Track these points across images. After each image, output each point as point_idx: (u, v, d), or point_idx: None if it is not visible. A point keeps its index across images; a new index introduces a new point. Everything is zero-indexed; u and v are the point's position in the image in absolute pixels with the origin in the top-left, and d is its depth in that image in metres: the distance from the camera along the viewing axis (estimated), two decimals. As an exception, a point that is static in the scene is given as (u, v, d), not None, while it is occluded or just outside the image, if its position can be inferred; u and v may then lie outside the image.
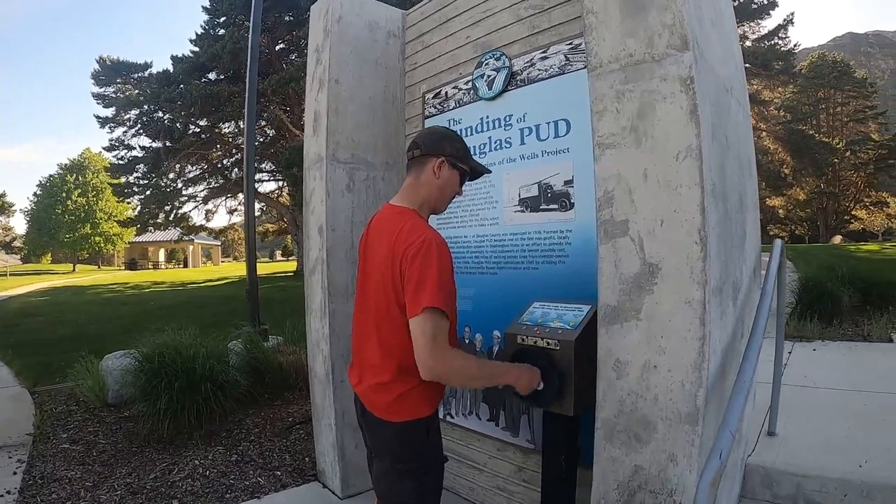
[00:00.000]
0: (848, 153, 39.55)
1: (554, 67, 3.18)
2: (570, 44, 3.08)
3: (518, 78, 3.38)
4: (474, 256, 3.61)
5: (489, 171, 2.61)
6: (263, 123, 23.90)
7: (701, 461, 2.12)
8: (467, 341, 3.62)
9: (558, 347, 2.52)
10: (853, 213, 43.35)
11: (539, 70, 3.26)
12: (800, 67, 39.70)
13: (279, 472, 4.46)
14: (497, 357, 3.37)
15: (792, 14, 33.77)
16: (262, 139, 24.44)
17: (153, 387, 5.06)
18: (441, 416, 3.72)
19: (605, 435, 2.43)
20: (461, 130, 3.69)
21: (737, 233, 2.72)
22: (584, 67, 2.86)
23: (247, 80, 8.42)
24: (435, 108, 3.91)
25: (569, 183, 3.09)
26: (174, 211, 25.58)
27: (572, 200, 3.07)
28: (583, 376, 2.49)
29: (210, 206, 27.09)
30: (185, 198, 25.67)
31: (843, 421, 4.21)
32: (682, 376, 2.22)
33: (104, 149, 26.43)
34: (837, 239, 41.38)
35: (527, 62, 3.33)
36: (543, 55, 3.23)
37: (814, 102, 46.02)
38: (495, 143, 3.49)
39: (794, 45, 34.57)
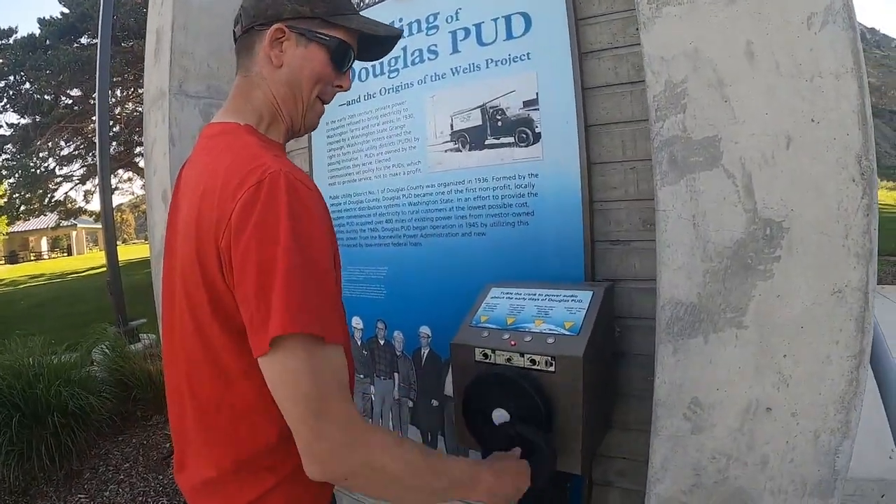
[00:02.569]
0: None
1: (501, -60, 1.95)
2: None
3: (445, -39, 2.11)
4: (385, 221, 2.30)
5: (398, 33, 1.32)
6: (142, 91, 21.10)
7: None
8: (382, 342, 2.33)
9: (554, 369, 1.35)
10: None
11: (477, -53, 2.02)
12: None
13: (156, 526, 3.29)
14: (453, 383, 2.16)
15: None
16: (141, 108, 21.63)
17: (-13, 424, 3.72)
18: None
19: (667, 524, 1.27)
20: (361, 42, 2.33)
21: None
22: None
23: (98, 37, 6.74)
24: (321, 16, 2.52)
25: (531, 104, 1.87)
26: (48, 194, 22.42)
27: (537, 129, 1.86)
28: (594, 412, 1.43)
29: (89, 185, 23.97)
30: (60, 178, 22.54)
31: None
32: (816, 423, 1.15)
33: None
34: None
35: (457, -63, 2.07)
36: (483, -75, 1.99)
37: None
38: (413, 54, 2.18)
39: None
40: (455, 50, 2.05)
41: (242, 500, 1.04)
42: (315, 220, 0.95)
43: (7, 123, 21.99)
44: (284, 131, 1.20)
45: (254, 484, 1.04)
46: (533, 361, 1.37)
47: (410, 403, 2.30)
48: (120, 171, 22.48)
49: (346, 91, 1.26)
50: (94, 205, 25.79)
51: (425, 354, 2.20)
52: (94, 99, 21.08)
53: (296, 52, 1.14)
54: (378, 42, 1.28)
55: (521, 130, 1.88)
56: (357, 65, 2.33)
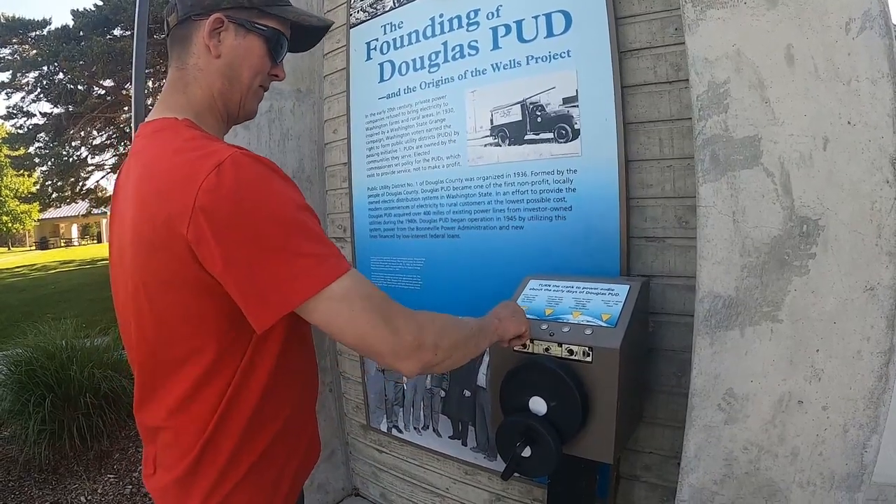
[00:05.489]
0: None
1: (543, -63, 2.00)
2: None
3: (487, -44, 2.17)
4: (424, 213, 2.38)
5: (329, 24, 1.34)
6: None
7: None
8: (418, 331, 2.40)
9: (591, 360, 1.40)
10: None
11: (519, -58, 2.07)
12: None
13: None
14: (487, 376, 2.24)
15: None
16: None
17: (22, 403, 3.80)
18: (386, 429, 2.55)
19: (698, 514, 1.33)
20: (404, 38, 2.40)
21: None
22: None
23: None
24: (364, 11, 2.61)
25: (570, 101, 1.91)
26: (80, 182, 22.82)
27: (577, 126, 1.91)
28: (627, 404, 1.49)
29: (120, 174, 24.36)
30: (92, 167, 22.95)
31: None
32: (846, 417, 1.19)
33: (1, 118, 23.22)
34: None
35: (500, -68, 2.12)
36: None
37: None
38: (454, 49, 2.24)
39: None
40: (496, 46, 2.11)
41: (214, 495, 1.07)
42: (288, 183, 0.99)
43: (41, 112, 22.25)
44: (222, 124, 1.20)
45: (214, 474, 1.06)
46: (571, 352, 1.43)
47: (442, 393, 2.37)
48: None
49: (281, 81, 1.26)
50: (125, 193, 26.04)
51: (461, 345, 2.26)
52: (126, 89, 21.48)
53: (234, 43, 1.13)
54: (309, 33, 1.29)
55: (561, 126, 1.94)
56: (397, 58, 2.41)
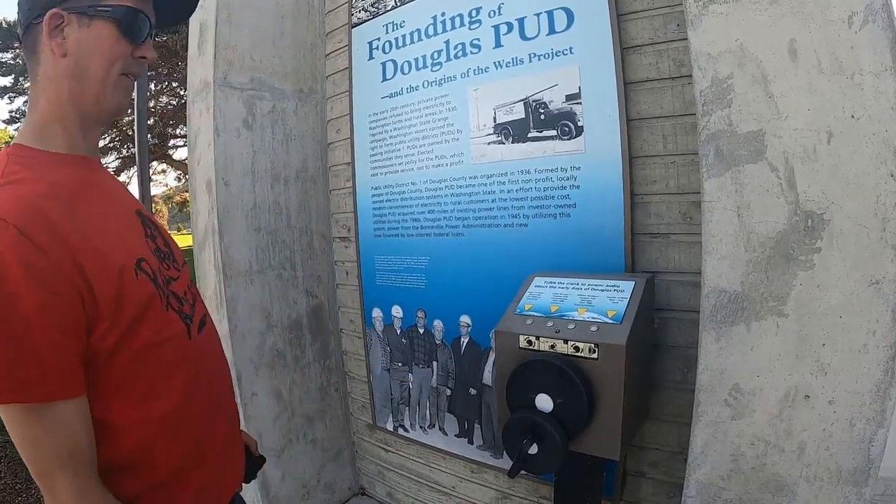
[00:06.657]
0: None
1: (544, -67, 2.00)
2: None
3: (488, -46, 2.17)
4: (427, 212, 2.38)
5: None
6: (175, 84, 21.43)
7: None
8: (422, 330, 2.41)
9: (597, 356, 1.41)
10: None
11: (520, -61, 2.07)
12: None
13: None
14: (492, 374, 2.23)
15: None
16: (175, 101, 22.00)
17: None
18: (392, 428, 2.56)
19: (705, 511, 1.33)
20: (406, 37, 2.41)
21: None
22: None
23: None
24: (366, 11, 2.61)
25: (573, 98, 1.91)
26: (82, 185, 22.94)
27: (580, 123, 1.91)
28: (633, 400, 1.49)
29: (123, 177, 24.44)
30: (95, 169, 23.03)
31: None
32: (852, 411, 1.20)
33: (4, 122, 23.28)
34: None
35: (501, -72, 2.13)
36: (526, -85, 2.04)
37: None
38: (456, 48, 2.24)
39: None
40: (498, 44, 2.11)
41: None
42: (8, 266, 0.81)
43: (44, 116, 22.26)
44: (77, 131, 1.03)
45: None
46: (577, 348, 1.44)
47: (448, 392, 2.38)
48: (154, 164, 22.85)
49: (151, 61, 1.08)
50: (128, 195, 26.35)
51: (465, 343, 2.27)
52: (128, 91, 21.47)
53: (79, 36, 0.98)
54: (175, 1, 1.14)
55: (564, 124, 1.94)
56: (400, 58, 2.41)
